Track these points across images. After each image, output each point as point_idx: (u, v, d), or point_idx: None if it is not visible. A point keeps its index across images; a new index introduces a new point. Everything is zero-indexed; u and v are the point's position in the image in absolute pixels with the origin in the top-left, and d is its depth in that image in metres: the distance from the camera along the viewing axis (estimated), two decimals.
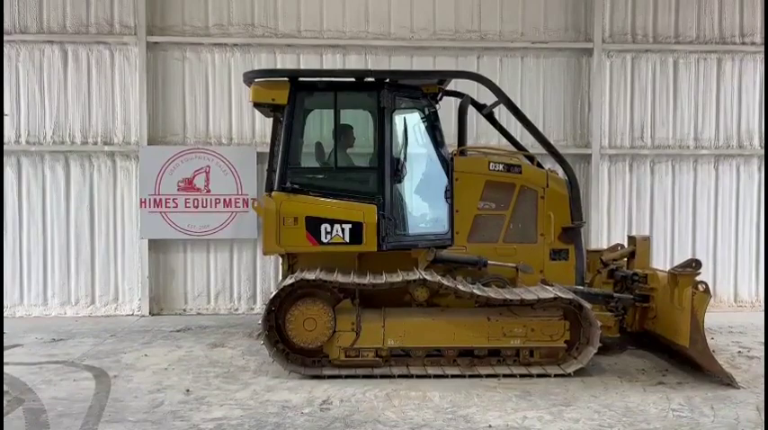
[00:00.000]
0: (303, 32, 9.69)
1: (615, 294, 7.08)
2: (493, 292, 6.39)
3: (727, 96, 10.06)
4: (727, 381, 6.06)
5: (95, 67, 9.56)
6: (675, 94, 10.01)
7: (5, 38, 9.38)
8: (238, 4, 9.64)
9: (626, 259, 7.67)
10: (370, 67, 9.54)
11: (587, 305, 6.31)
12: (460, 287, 6.35)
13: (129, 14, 9.49)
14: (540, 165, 7.47)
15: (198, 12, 9.62)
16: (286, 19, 9.68)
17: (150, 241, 9.53)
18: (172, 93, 9.65)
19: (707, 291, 6.18)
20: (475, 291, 6.35)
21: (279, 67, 9.54)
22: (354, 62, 9.61)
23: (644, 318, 7.08)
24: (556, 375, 6.24)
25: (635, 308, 7.11)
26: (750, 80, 10.05)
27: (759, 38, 9.94)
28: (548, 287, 6.56)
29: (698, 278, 6.30)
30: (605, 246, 8.83)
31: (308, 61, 9.63)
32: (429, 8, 9.77)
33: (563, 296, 6.28)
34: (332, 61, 9.64)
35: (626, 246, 7.84)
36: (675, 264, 7.06)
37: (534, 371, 6.30)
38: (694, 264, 6.47)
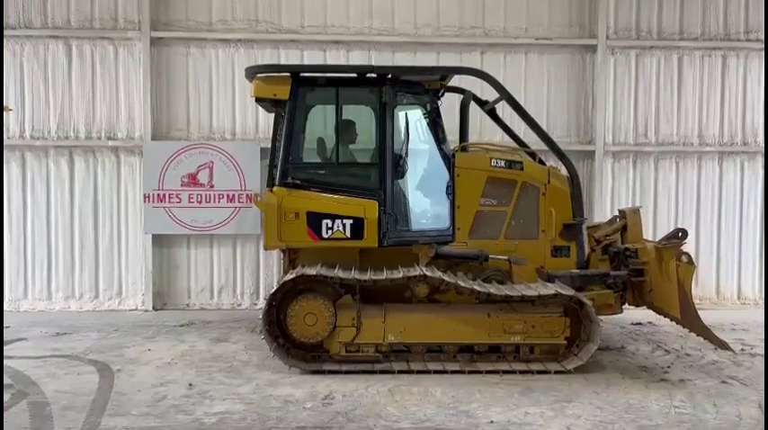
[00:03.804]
0: (306, 28, 9.68)
1: (611, 272, 7.01)
2: (494, 289, 6.38)
3: (732, 93, 10.02)
4: (723, 348, 6.16)
5: (99, 63, 9.58)
6: (680, 91, 9.98)
7: (10, 32, 9.41)
8: (242, 0, 9.64)
9: (619, 233, 7.52)
10: (374, 62, 9.51)
11: (588, 302, 6.31)
12: (461, 283, 6.35)
13: (133, 10, 9.51)
14: (542, 162, 7.45)
15: (202, 7, 9.63)
16: (290, 14, 9.67)
17: (154, 236, 9.55)
18: (175, 88, 9.67)
19: (690, 261, 6.19)
20: (475, 287, 6.34)
21: (282, 62, 9.54)
22: (358, 58, 9.60)
23: (642, 292, 6.97)
24: (556, 372, 6.24)
25: (631, 283, 7.01)
26: (755, 77, 10.00)
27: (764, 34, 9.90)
28: (548, 284, 6.55)
29: (682, 249, 6.28)
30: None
31: (311, 57, 9.63)
32: (433, 4, 9.75)
33: (564, 293, 6.28)
34: (335, 57, 9.63)
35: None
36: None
37: (534, 367, 6.29)
38: (681, 234, 6.44)
